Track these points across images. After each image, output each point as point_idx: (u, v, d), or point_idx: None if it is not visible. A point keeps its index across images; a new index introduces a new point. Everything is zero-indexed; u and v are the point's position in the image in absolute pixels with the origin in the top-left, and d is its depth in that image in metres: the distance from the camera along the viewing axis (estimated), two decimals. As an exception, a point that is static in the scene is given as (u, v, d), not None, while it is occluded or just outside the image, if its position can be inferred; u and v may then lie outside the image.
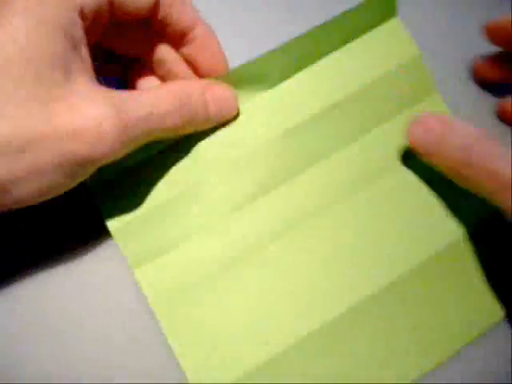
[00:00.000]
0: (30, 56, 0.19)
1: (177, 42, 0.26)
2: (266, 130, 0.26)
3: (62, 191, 0.21)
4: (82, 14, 0.21)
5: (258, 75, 0.26)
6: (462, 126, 0.24)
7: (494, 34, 0.27)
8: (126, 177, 0.25)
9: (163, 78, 0.27)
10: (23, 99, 0.19)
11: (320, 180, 0.26)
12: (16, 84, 0.19)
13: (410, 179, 0.26)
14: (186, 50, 0.26)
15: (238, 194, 0.26)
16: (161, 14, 0.24)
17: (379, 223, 0.26)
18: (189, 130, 0.24)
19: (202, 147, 0.26)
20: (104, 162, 0.21)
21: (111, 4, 0.23)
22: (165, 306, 0.24)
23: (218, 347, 0.24)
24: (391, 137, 0.27)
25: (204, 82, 0.25)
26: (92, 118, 0.20)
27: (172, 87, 0.23)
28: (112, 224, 0.24)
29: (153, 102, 0.22)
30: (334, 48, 0.27)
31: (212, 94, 0.25)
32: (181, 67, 0.26)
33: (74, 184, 0.21)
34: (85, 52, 0.22)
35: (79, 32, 0.21)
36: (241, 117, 0.26)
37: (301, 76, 0.27)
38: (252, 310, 0.24)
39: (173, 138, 0.25)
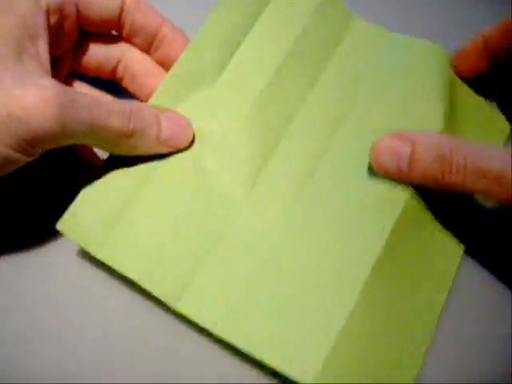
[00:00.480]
0: None
1: (148, 46, 0.27)
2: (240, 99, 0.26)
3: (13, 167, 0.22)
4: (47, 9, 0.23)
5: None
6: (427, 139, 0.23)
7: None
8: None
9: (135, 95, 0.28)
10: None
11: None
12: None
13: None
14: (158, 52, 0.27)
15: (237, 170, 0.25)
16: (128, 19, 0.26)
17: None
18: (138, 145, 0.24)
19: None
20: (47, 141, 0.21)
21: (76, 6, 0.24)
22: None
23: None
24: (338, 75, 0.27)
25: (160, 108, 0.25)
26: (37, 87, 0.20)
27: (129, 103, 0.24)
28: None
29: (102, 111, 0.22)
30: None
31: (167, 116, 0.25)
32: (153, 80, 0.27)
33: (22, 160, 0.21)
34: (43, 47, 0.22)
35: (39, 24, 0.22)
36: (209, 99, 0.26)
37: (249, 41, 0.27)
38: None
39: (121, 152, 0.24)
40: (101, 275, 0.25)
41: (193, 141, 0.25)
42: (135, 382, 0.24)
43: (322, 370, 0.21)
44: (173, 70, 0.26)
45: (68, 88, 0.22)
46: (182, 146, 0.25)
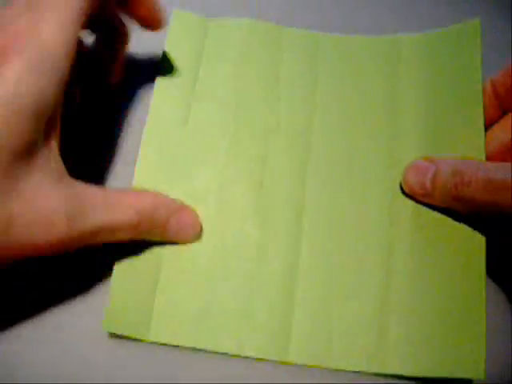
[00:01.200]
0: (2, 145, 0.20)
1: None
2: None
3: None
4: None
5: None
6: (450, 159, 0.25)
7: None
8: None
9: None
10: None
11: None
12: None
13: None
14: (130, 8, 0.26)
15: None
16: None
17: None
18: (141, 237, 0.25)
19: None
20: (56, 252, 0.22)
21: None
22: None
23: None
24: None
25: (175, 205, 0.25)
26: (49, 218, 0.21)
27: (138, 200, 0.24)
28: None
29: (109, 213, 0.22)
30: None
31: (178, 219, 0.25)
32: None
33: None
34: (55, 139, 0.22)
35: (55, 118, 0.22)
36: None
37: None
38: None
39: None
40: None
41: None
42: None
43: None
44: (144, 145, 0.27)
45: (75, 205, 0.22)
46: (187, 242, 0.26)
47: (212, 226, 0.26)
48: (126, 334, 0.24)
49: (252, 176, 0.27)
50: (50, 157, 0.22)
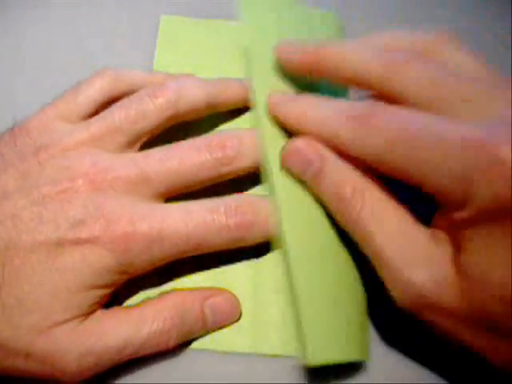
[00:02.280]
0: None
1: None
2: None
3: None
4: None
5: None
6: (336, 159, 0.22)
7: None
8: None
9: None
10: (22, 326, 0.21)
11: None
12: (28, 315, 0.21)
13: None
14: None
15: None
16: None
17: None
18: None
19: None
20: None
21: None
22: None
23: None
24: None
25: (205, 292, 0.24)
26: (61, 359, 0.21)
27: (165, 303, 0.23)
28: None
29: (135, 325, 0.22)
30: None
31: (212, 307, 0.24)
32: None
33: None
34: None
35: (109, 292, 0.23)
36: None
37: None
38: None
39: None
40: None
41: None
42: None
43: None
44: None
45: (97, 337, 0.22)
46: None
47: None
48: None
49: None
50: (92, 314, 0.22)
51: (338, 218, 0.22)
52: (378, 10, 0.32)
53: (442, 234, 0.20)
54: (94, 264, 0.21)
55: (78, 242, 0.21)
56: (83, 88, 0.25)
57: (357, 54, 0.22)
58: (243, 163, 0.24)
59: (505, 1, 0.31)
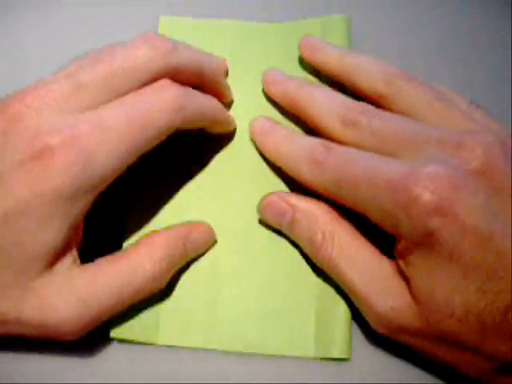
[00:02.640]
0: (25, 249, 0.21)
1: None
2: None
3: None
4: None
5: None
6: (306, 207, 0.24)
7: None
8: None
9: None
10: (5, 285, 0.21)
11: None
12: (3, 273, 0.21)
13: None
14: None
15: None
16: None
17: None
18: None
19: None
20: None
21: None
22: None
23: None
24: None
25: (184, 228, 0.25)
26: (57, 317, 0.21)
27: (152, 248, 0.23)
28: None
29: (127, 274, 0.22)
30: None
31: (193, 242, 0.25)
32: None
33: None
34: (79, 232, 0.23)
35: (80, 217, 0.22)
36: None
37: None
38: None
39: None
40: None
41: None
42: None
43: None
44: None
45: (89, 297, 0.22)
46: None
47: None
48: (134, 339, 0.24)
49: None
50: (69, 254, 0.22)
51: (314, 259, 0.24)
52: (378, 10, 0.32)
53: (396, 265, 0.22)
54: (44, 185, 0.20)
55: (19, 166, 0.20)
56: (119, 61, 0.22)
57: (324, 105, 0.25)
58: (183, 55, 0.24)
59: (504, 1, 0.31)
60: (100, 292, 0.22)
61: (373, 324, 0.23)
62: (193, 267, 0.25)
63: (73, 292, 0.21)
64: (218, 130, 0.26)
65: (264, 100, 0.28)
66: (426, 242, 0.20)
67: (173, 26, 0.30)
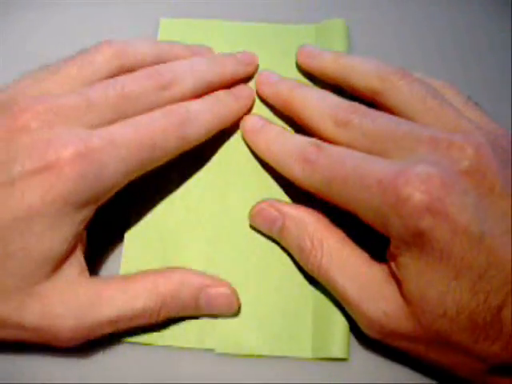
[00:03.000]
0: (32, 254, 0.21)
1: None
2: None
3: None
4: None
5: None
6: (295, 214, 0.25)
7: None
8: None
9: None
10: (9, 289, 0.21)
11: None
12: (9, 276, 0.21)
13: None
14: None
15: None
16: None
17: None
18: None
19: None
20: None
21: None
22: None
23: None
24: None
25: (205, 280, 0.24)
26: (57, 324, 0.22)
27: (160, 281, 0.23)
28: None
29: (129, 299, 0.22)
30: None
31: (207, 298, 0.24)
32: None
33: None
34: (83, 240, 0.23)
35: (83, 225, 0.22)
36: None
37: None
38: None
39: None
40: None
41: None
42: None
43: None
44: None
45: (88, 308, 0.22)
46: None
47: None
48: (135, 340, 0.24)
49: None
50: (74, 262, 0.22)
51: (304, 266, 0.24)
52: (377, 10, 0.32)
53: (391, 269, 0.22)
54: (55, 193, 0.21)
55: (32, 175, 0.21)
56: (85, 62, 0.24)
57: (316, 106, 0.25)
58: (180, 88, 0.25)
59: (504, 1, 0.31)
60: (101, 306, 0.22)
61: (366, 330, 0.23)
62: (193, 268, 0.25)
63: (73, 300, 0.22)
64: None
65: (258, 101, 0.28)
66: (417, 242, 0.20)
67: (173, 27, 0.30)
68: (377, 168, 0.21)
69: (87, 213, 0.22)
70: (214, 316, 0.25)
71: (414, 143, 0.21)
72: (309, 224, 0.24)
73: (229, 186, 0.27)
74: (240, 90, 0.28)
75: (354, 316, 0.23)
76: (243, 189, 0.27)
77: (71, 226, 0.22)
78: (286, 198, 0.27)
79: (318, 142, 0.24)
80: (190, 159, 0.27)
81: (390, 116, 0.23)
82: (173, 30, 0.30)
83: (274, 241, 0.26)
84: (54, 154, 0.21)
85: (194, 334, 0.25)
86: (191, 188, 0.27)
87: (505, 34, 0.31)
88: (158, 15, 0.31)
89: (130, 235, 0.26)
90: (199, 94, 0.26)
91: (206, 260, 0.26)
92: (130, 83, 0.24)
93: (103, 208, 0.23)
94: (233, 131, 0.28)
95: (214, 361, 0.24)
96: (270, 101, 0.27)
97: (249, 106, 0.28)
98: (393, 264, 0.22)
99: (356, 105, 0.24)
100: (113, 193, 0.23)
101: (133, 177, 0.23)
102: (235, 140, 0.28)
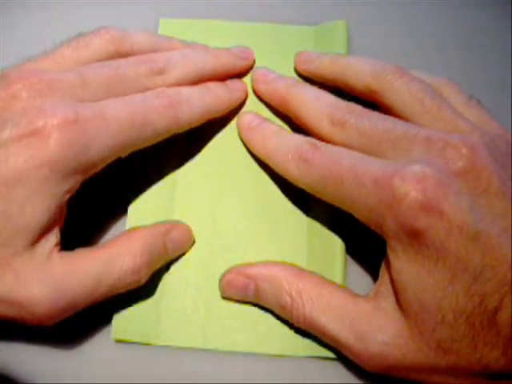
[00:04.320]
0: (12, 221, 0.21)
1: None
2: None
3: None
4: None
5: None
6: (267, 274, 0.24)
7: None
8: None
9: None
10: None
11: None
12: None
13: None
14: None
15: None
16: None
17: None
18: None
19: None
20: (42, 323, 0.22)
21: None
22: None
23: None
24: None
25: (165, 226, 0.25)
26: (31, 297, 0.21)
27: (133, 242, 0.24)
28: None
29: (106, 264, 0.22)
30: None
31: (172, 239, 0.25)
32: None
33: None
34: (63, 214, 0.23)
35: (67, 197, 0.22)
36: None
37: None
38: None
39: None
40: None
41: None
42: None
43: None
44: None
45: (64, 281, 0.22)
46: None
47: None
48: (135, 340, 0.25)
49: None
50: (52, 237, 0.22)
51: (290, 321, 0.24)
52: (378, 10, 0.32)
53: (382, 288, 0.22)
54: (40, 159, 0.21)
55: (19, 139, 0.21)
56: (81, 44, 0.25)
57: (313, 105, 0.25)
58: (173, 74, 0.25)
59: (505, 1, 0.31)
60: (76, 279, 0.22)
61: (369, 368, 0.22)
62: (192, 268, 0.26)
63: (49, 275, 0.21)
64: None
65: (254, 98, 0.28)
66: (413, 242, 0.20)
67: (172, 27, 0.30)
68: (373, 167, 0.21)
69: (72, 184, 0.22)
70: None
71: (410, 143, 0.21)
72: (282, 279, 0.24)
73: (223, 184, 0.27)
74: (233, 83, 0.28)
75: (353, 358, 0.22)
76: (238, 188, 0.27)
77: (55, 195, 0.21)
78: (281, 197, 0.27)
79: (315, 140, 0.24)
80: (186, 157, 0.27)
81: (387, 116, 0.23)
82: (172, 30, 0.30)
83: (270, 239, 0.26)
84: (42, 121, 0.21)
85: (197, 333, 0.25)
86: (186, 187, 0.27)
87: (505, 33, 0.31)
88: (158, 15, 0.31)
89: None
90: (191, 83, 0.26)
91: (207, 261, 0.26)
92: (125, 65, 0.24)
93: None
94: (227, 130, 0.28)
95: (214, 361, 0.24)
96: (267, 99, 0.28)
97: (241, 100, 0.28)
98: (392, 272, 0.21)
99: (352, 105, 0.24)
100: (99, 167, 0.23)
101: (121, 153, 0.23)
102: (230, 138, 0.28)
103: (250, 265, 0.25)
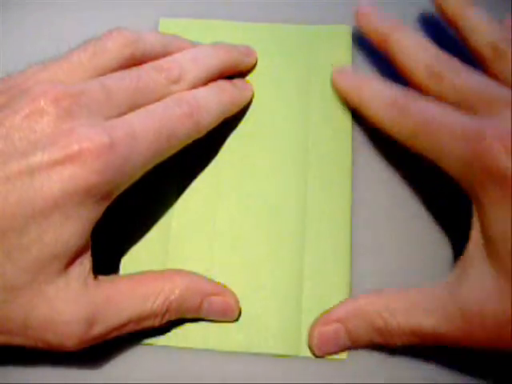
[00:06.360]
0: (47, 247, 0.20)
1: None
2: None
3: None
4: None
5: None
6: (352, 310, 0.24)
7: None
8: None
9: None
10: (17, 287, 0.20)
11: None
12: (20, 272, 0.20)
13: None
14: None
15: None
16: None
17: None
18: None
19: None
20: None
21: None
22: None
23: None
24: None
25: (210, 287, 0.25)
26: (63, 331, 0.21)
27: (169, 285, 0.23)
28: None
29: (136, 306, 0.22)
30: None
31: (211, 303, 0.24)
32: None
33: None
34: (90, 242, 0.23)
35: (98, 220, 0.22)
36: None
37: None
38: None
39: None
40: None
41: None
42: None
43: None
44: None
45: (99, 308, 0.22)
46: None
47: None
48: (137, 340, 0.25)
49: None
50: (85, 260, 0.22)
51: (391, 342, 0.23)
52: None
53: (470, 258, 0.22)
54: (77, 185, 0.20)
55: (53, 165, 0.20)
56: (97, 49, 0.24)
57: (414, 52, 0.26)
58: (188, 81, 0.25)
59: (505, 1, 0.31)
60: (113, 311, 0.22)
61: (491, 343, 0.21)
62: (192, 267, 0.26)
63: (85, 304, 0.21)
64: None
65: (265, 99, 0.29)
66: (503, 185, 0.20)
67: (172, 27, 0.30)
68: (465, 121, 0.22)
69: (104, 207, 0.22)
70: (213, 321, 0.25)
71: (503, 105, 0.22)
72: (366, 306, 0.24)
73: (227, 187, 0.27)
74: (240, 81, 0.28)
75: (469, 343, 0.22)
76: (242, 191, 0.27)
77: (89, 220, 0.21)
78: (282, 197, 0.27)
79: (409, 92, 0.25)
80: (190, 159, 0.27)
81: (484, 77, 0.24)
82: (172, 30, 0.30)
83: (274, 243, 0.26)
84: (77, 145, 0.20)
85: (197, 333, 0.25)
86: (192, 188, 0.27)
87: (505, 33, 0.30)
88: (158, 15, 0.31)
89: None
90: (204, 84, 0.26)
91: (208, 261, 0.26)
92: (144, 76, 0.24)
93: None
94: (230, 131, 0.28)
95: (214, 361, 0.25)
96: (368, 35, 0.28)
97: (249, 99, 0.28)
98: (479, 231, 0.22)
99: (452, 59, 0.25)
100: (129, 184, 0.23)
101: (147, 169, 0.23)
102: (234, 140, 0.28)
103: (328, 313, 0.24)
